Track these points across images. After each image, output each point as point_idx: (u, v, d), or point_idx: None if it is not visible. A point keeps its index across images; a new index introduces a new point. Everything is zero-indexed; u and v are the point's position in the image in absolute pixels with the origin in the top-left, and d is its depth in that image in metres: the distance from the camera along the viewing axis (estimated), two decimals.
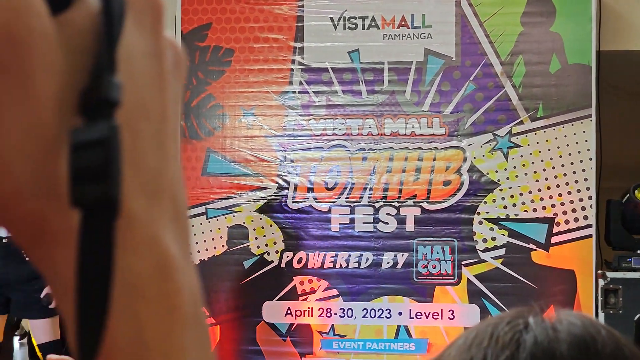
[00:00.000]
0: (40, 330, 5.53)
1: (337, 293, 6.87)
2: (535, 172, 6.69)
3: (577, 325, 0.82)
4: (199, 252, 7.09)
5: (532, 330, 0.81)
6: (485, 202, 6.74)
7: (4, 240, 5.40)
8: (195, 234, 7.06)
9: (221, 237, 7.03)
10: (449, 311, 6.77)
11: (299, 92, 6.99)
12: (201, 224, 7.05)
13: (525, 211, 6.69)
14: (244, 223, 7.02)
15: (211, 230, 7.04)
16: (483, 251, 6.72)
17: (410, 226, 6.81)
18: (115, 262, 0.33)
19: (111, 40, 0.34)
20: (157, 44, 0.37)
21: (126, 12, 0.35)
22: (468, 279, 6.74)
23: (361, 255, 6.83)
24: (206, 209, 7.05)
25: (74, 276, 0.33)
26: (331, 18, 6.91)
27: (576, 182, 6.65)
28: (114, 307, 0.34)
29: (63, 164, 0.32)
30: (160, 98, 0.37)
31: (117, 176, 0.33)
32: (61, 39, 0.34)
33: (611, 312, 6.43)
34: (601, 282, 6.50)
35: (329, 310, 6.86)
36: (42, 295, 5.40)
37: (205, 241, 7.05)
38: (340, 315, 6.81)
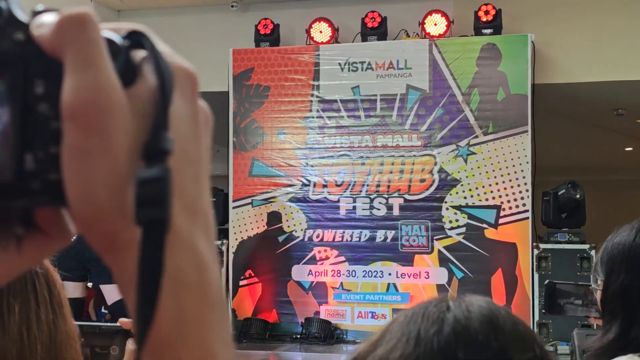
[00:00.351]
0: (112, 291, 5.37)
1: (344, 259, 7.06)
2: (487, 172, 6.81)
3: (485, 307, 0.79)
4: (247, 230, 7.26)
5: (452, 311, 0.78)
6: (451, 194, 6.88)
7: None
8: (244, 218, 7.28)
9: (262, 220, 7.24)
10: (425, 273, 6.92)
11: (317, 117, 7.18)
12: (248, 210, 7.27)
13: (480, 200, 6.82)
14: (278, 210, 7.22)
15: (255, 215, 7.26)
16: (449, 229, 6.87)
17: (396, 211, 6.97)
18: (164, 262, 0.34)
19: (164, 107, 0.34)
20: (194, 108, 0.37)
21: (175, 86, 0.35)
22: (439, 249, 6.89)
23: (361, 232, 7.02)
24: (252, 200, 7.27)
25: (136, 272, 0.34)
26: (339, 63, 7.11)
27: (517, 179, 6.75)
28: (163, 293, 0.35)
29: (130, 195, 0.34)
30: (196, 147, 0.37)
31: (169, 203, 0.34)
32: (130, 107, 0.35)
33: (543, 273, 6.53)
34: (535, 252, 6.62)
35: (338, 271, 7.06)
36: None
37: (251, 223, 7.27)
38: (346, 275, 7.02)
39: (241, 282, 7.26)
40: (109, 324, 1.29)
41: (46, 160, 0.34)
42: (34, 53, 0.34)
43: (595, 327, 2.28)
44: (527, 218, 6.74)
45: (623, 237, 1.58)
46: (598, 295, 1.61)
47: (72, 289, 5.30)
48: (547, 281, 2.20)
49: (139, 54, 0.36)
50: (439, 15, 6.97)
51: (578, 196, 6.80)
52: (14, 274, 0.37)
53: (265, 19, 7.32)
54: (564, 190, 6.88)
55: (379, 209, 7.02)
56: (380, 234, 6.98)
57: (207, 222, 0.37)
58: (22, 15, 0.34)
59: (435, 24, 6.98)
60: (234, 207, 7.32)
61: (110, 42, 0.35)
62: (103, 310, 9.60)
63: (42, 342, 0.91)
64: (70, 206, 0.34)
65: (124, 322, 1.28)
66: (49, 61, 0.34)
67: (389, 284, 6.95)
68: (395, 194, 7.01)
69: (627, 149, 11.00)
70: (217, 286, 0.37)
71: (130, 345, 1.25)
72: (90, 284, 6.04)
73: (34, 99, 0.34)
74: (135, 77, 0.35)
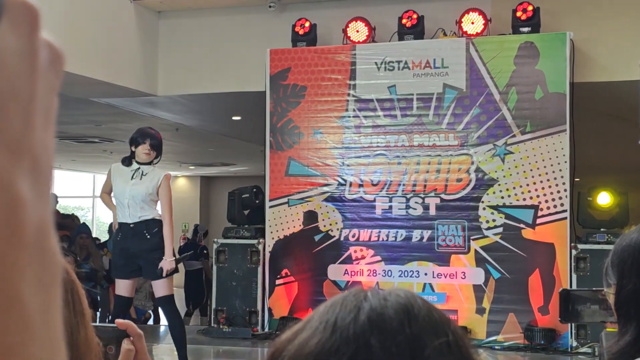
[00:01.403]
0: (159, 287, 5.35)
1: (380, 259, 7.03)
2: (524, 171, 6.73)
3: (401, 297, 0.81)
4: (283, 230, 7.26)
5: (369, 300, 0.80)
6: (488, 194, 6.80)
7: (131, 225, 5.23)
8: (280, 218, 7.28)
9: (299, 219, 7.23)
10: (462, 273, 6.86)
11: (353, 116, 7.14)
12: (285, 210, 7.26)
13: (517, 200, 6.74)
14: (314, 209, 7.21)
15: (292, 215, 7.24)
16: (486, 229, 6.80)
17: (432, 211, 6.92)
18: None
19: None
20: (31, 44, 0.35)
21: (3, 19, 0.34)
22: (475, 249, 6.82)
23: (397, 232, 6.98)
24: (288, 199, 7.26)
25: None
26: (375, 62, 7.06)
27: (555, 178, 6.66)
28: None
29: None
30: (29, 84, 0.35)
31: None
32: None
33: (581, 274, 6.47)
34: (574, 252, 6.54)
35: (374, 271, 7.03)
36: (158, 268, 5.17)
37: (287, 222, 7.25)
38: (382, 275, 6.98)
39: (277, 281, 7.28)
40: (106, 324, 1.29)
41: None
42: None
43: None
44: (565, 218, 6.66)
45: (633, 240, 1.54)
46: (611, 299, 1.57)
47: (123, 288, 5.38)
48: (560, 289, 2.20)
49: None
50: (476, 13, 6.92)
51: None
52: None
53: (302, 19, 7.31)
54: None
55: (415, 209, 6.98)
56: (416, 234, 6.94)
57: (36, 162, 0.35)
58: None
59: (473, 23, 6.92)
60: (270, 207, 7.34)
61: None
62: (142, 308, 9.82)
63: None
64: None
65: (119, 322, 1.29)
66: None
67: (425, 284, 6.92)
68: (432, 194, 6.97)
69: None
70: (36, 227, 0.34)
71: (125, 345, 1.27)
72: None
73: None
74: None
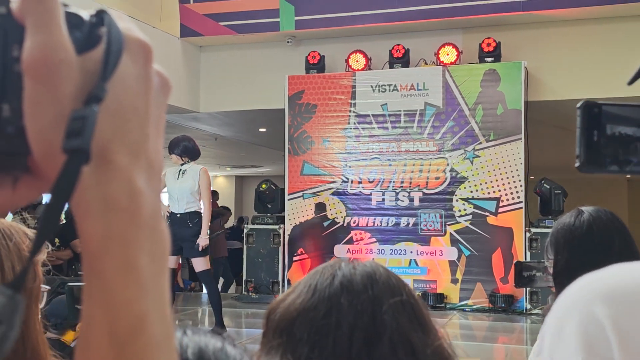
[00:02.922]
0: (198, 263, 5.38)
1: (375, 240, 7.07)
2: (488, 171, 6.77)
3: (367, 266, 0.79)
4: (299, 217, 7.29)
5: (342, 269, 0.78)
6: (460, 189, 6.85)
7: (178, 215, 5.23)
8: (296, 208, 7.29)
9: (311, 209, 7.27)
10: (440, 251, 6.88)
11: (353, 128, 7.19)
12: (300, 202, 7.28)
13: (483, 194, 6.77)
14: (323, 201, 7.25)
15: (305, 206, 7.27)
16: (459, 217, 6.83)
17: (416, 202, 6.95)
18: (74, 184, 0.32)
19: (107, 65, 0.32)
20: (146, 71, 0.35)
21: (123, 52, 0.33)
22: (450, 232, 6.85)
23: (389, 219, 7.01)
24: (303, 194, 7.29)
25: (50, 189, 0.32)
26: (371, 86, 7.11)
27: (512, 176, 6.70)
28: (92, 212, 0.33)
29: None
30: (145, 102, 0.35)
31: (88, 136, 0.31)
32: (82, 65, 0.33)
33: (534, 252, 6.51)
34: (528, 234, 6.61)
35: (371, 249, 7.06)
36: (197, 245, 5.22)
37: (302, 212, 7.29)
38: (377, 253, 7.00)
39: (295, 258, 7.31)
40: None
41: (18, 109, 0.33)
42: (11, 23, 0.33)
43: None
44: (521, 208, 6.70)
45: (565, 223, 1.52)
46: (551, 271, 1.55)
47: (198, 264, 5.39)
48: (515, 261, 2.14)
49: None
50: (451, 47, 6.99)
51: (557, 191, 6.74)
52: (7, 209, 0.35)
53: (314, 51, 7.37)
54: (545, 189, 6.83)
55: (402, 201, 7.01)
56: (404, 220, 6.97)
57: (150, 164, 0.35)
58: None
59: (448, 54, 6.98)
60: (288, 199, 7.36)
61: (73, 15, 0.34)
62: (188, 279, 9.94)
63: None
64: (30, 145, 0.33)
65: None
66: (22, 29, 0.33)
67: (410, 260, 6.94)
68: (416, 189, 7.00)
69: None
70: (150, 212, 0.34)
71: None
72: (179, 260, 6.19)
73: (11, 61, 0.33)
74: (96, 44, 0.33)
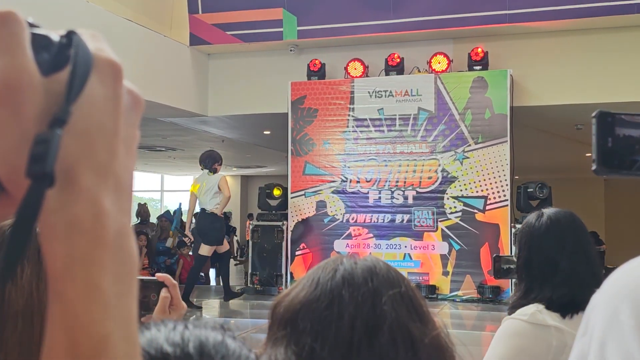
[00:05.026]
0: (205, 249, 6.27)
1: (372, 235, 7.08)
2: (477, 171, 6.82)
3: (368, 261, 0.78)
4: (301, 214, 7.30)
5: (344, 264, 0.77)
6: (450, 188, 6.89)
7: (206, 211, 6.19)
8: (299, 206, 7.31)
9: (312, 207, 7.28)
10: (432, 245, 6.91)
11: (352, 131, 7.21)
12: (302, 200, 7.28)
13: (472, 192, 6.81)
14: (324, 199, 7.25)
15: (307, 204, 7.28)
16: (449, 214, 6.86)
17: (410, 200, 6.98)
18: (37, 210, 0.30)
19: (71, 87, 0.30)
20: (114, 91, 0.32)
21: (91, 72, 0.31)
22: (442, 228, 6.88)
23: (385, 215, 7.03)
24: (305, 192, 7.31)
25: (14, 216, 0.30)
26: (368, 92, 7.15)
27: (499, 176, 6.77)
28: (55, 235, 0.31)
29: None
30: (113, 121, 0.32)
31: (52, 160, 0.30)
32: (47, 87, 0.31)
33: (514, 247, 6.57)
34: (513, 230, 6.58)
35: (368, 244, 7.07)
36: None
37: (304, 209, 7.30)
38: (374, 247, 7.01)
39: (297, 252, 7.32)
40: (148, 277, 1.18)
41: None
42: None
43: None
44: (507, 205, 6.75)
45: (528, 223, 1.55)
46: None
47: (205, 250, 6.09)
48: (494, 255, 2.16)
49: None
50: (442, 56, 7.04)
51: (542, 195, 6.82)
52: None
53: (315, 59, 7.41)
54: (532, 189, 6.89)
55: (397, 199, 7.03)
56: (398, 217, 7.00)
57: (119, 183, 0.33)
58: None
59: (439, 63, 7.04)
60: (291, 198, 7.38)
61: (41, 36, 0.32)
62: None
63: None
64: None
65: (159, 275, 1.19)
66: None
67: (405, 254, 6.97)
68: (410, 188, 7.03)
69: (587, 155, 10.66)
70: (115, 232, 0.32)
71: (163, 293, 1.16)
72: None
73: None
74: (64, 66, 0.32)
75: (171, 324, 0.47)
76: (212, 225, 6.22)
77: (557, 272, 1.47)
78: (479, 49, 6.91)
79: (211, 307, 7.02)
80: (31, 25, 0.32)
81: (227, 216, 11.85)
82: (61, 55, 0.32)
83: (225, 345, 0.48)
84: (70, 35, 0.32)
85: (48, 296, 0.32)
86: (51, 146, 0.30)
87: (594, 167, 0.54)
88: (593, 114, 0.55)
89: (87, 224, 0.32)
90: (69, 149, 0.31)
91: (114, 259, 0.32)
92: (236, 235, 12.10)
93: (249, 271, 7.68)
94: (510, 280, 6.63)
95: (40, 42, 0.32)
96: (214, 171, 6.35)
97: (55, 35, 0.32)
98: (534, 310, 1.45)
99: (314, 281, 0.77)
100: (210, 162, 6.35)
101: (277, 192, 7.63)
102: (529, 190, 6.89)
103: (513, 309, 1.51)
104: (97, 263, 0.32)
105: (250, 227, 7.78)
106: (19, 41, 0.31)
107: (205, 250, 6.24)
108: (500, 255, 2.13)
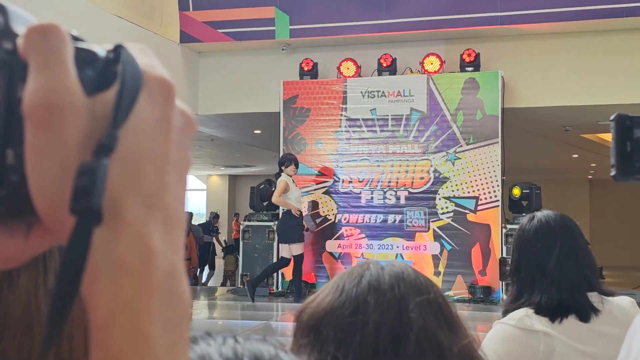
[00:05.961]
0: (296, 248, 6.52)
1: (364, 236, 7.10)
2: (468, 172, 6.88)
3: (395, 267, 0.77)
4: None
5: (370, 270, 0.76)
6: (442, 188, 6.94)
7: (283, 211, 6.57)
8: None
9: (305, 207, 7.17)
10: (424, 246, 6.96)
11: (344, 131, 7.24)
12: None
13: (463, 193, 6.88)
14: (316, 199, 7.27)
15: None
16: (441, 214, 6.92)
17: (402, 201, 7.02)
18: (86, 253, 0.27)
19: (118, 109, 0.27)
20: (166, 112, 0.29)
21: (140, 92, 0.28)
22: (433, 228, 6.93)
23: (377, 216, 7.06)
24: None
25: (60, 261, 0.27)
26: (361, 92, 7.18)
27: (490, 177, 6.83)
28: (98, 277, 0.27)
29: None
30: (163, 147, 0.29)
31: (98, 195, 0.26)
32: (92, 109, 0.28)
33: (509, 246, 6.28)
34: (504, 230, 6.70)
35: (360, 245, 7.10)
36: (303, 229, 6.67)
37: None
38: (366, 248, 7.04)
39: None
40: None
41: (23, 155, 0.28)
42: (17, 60, 0.28)
43: None
44: (498, 206, 6.83)
45: (521, 224, 1.55)
46: None
47: (297, 249, 6.43)
48: (499, 257, 2.17)
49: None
50: (434, 57, 7.10)
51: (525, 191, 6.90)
52: (21, 259, 0.30)
53: (307, 58, 7.42)
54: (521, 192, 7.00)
55: (389, 199, 7.07)
56: (391, 217, 7.03)
57: (169, 216, 0.29)
58: (18, 28, 0.29)
59: (432, 63, 7.09)
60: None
61: (86, 51, 0.29)
62: None
63: (47, 303, 0.73)
64: (32, 197, 0.28)
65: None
66: (26, 67, 0.28)
67: (397, 254, 6.99)
68: (402, 188, 7.07)
69: (573, 156, 10.98)
70: (165, 273, 0.29)
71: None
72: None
73: (16, 101, 0.28)
74: (110, 84, 0.29)
75: (220, 337, 0.45)
76: (286, 223, 6.66)
77: (545, 275, 1.46)
78: (471, 51, 6.98)
79: (201, 308, 6.97)
80: (75, 38, 0.29)
81: (213, 217, 11.92)
82: (107, 73, 0.29)
83: (280, 358, 0.46)
84: (118, 49, 0.29)
85: (90, 347, 0.28)
86: (97, 178, 0.27)
87: (612, 172, 0.52)
88: (611, 117, 0.53)
89: (134, 265, 0.28)
90: (114, 179, 0.28)
91: (163, 305, 0.29)
92: (219, 234, 12.26)
93: (240, 272, 7.63)
94: (501, 281, 6.74)
95: (84, 58, 0.29)
96: (279, 173, 6.67)
97: (101, 50, 0.29)
98: (523, 315, 1.45)
99: (339, 287, 0.76)
100: (279, 165, 6.72)
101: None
102: (514, 194, 6.98)
103: (505, 312, 1.51)
104: (145, 309, 0.28)
105: (241, 227, 7.72)
106: (61, 57, 0.28)
107: (294, 249, 6.58)
108: (506, 257, 2.14)
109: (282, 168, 6.64)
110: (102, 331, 0.28)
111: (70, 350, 0.50)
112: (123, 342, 0.28)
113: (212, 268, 11.37)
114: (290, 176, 6.64)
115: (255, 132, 9.36)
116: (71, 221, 0.27)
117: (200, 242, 10.47)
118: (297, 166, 6.68)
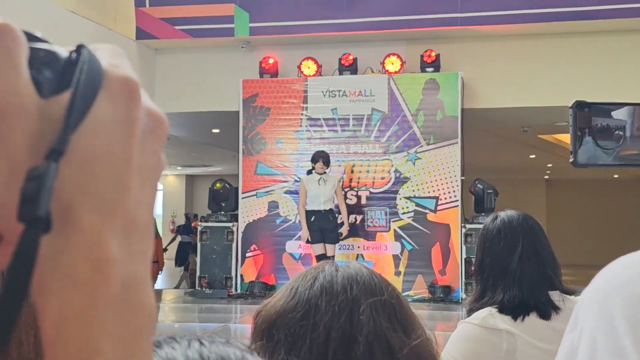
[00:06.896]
0: (331, 249, 6.42)
1: None
2: (429, 172, 6.99)
3: (350, 268, 0.76)
4: (252, 215, 7.26)
5: (324, 272, 0.75)
6: (403, 188, 7.03)
7: (322, 212, 6.35)
8: (250, 206, 7.27)
9: (264, 207, 7.27)
10: (384, 246, 7.04)
11: (305, 130, 7.26)
12: (254, 200, 7.27)
13: (424, 192, 6.98)
14: (276, 200, 7.26)
15: (259, 204, 7.28)
16: (402, 214, 7.01)
17: (363, 201, 7.09)
18: (33, 263, 0.25)
19: (72, 111, 0.26)
20: (129, 113, 0.27)
21: (99, 93, 0.27)
22: (394, 228, 7.02)
23: (338, 216, 6.83)
24: (256, 192, 7.30)
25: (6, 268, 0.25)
26: (322, 91, 7.22)
27: (450, 177, 6.96)
28: (47, 289, 0.26)
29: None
30: (125, 149, 0.27)
31: (45, 201, 0.25)
32: (45, 111, 0.26)
33: (469, 246, 6.72)
34: (463, 230, 6.85)
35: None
36: (339, 234, 6.51)
37: (255, 210, 7.29)
38: None
39: (247, 254, 7.29)
40: None
41: None
42: None
43: None
44: (457, 206, 6.94)
45: (485, 224, 1.57)
46: None
47: (317, 249, 6.36)
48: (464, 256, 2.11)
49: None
50: (395, 57, 7.18)
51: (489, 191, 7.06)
52: None
53: (267, 57, 7.41)
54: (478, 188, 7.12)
55: (351, 199, 7.11)
56: (351, 217, 7.05)
57: (129, 222, 0.28)
58: None
59: (392, 64, 7.17)
60: (242, 198, 7.35)
61: (44, 51, 0.28)
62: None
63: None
64: None
65: None
66: None
67: (357, 254, 7.06)
68: (363, 188, 7.13)
69: (531, 157, 11.23)
70: (123, 284, 0.27)
71: None
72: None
73: None
74: (69, 85, 0.27)
75: (184, 340, 0.44)
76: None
77: (507, 274, 1.49)
78: (431, 51, 7.08)
79: (159, 311, 6.94)
80: (37, 39, 0.28)
81: (192, 217, 11.73)
82: (67, 74, 0.27)
83: None
84: (79, 50, 0.28)
85: (41, 352, 0.27)
86: (45, 183, 0.25)
87: (571, 159, 0.53)
88: (570, 105, 0.53)
89: (86, 275, 0.26)
90: (66, 184, 0.26)
91: (119, 316, 0.27)
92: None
93: (198, 274, 7.58)
94: (460, 279, 6.86)
95: (42, 59, 0.27)
96: (310, 171, 6.60)
97: (63, 51, 0.28)
98: (486, 314, 1.48)
99: (292, 290, 0.76)
100: (311, 162, 6.58)
101: (218, 184, 7.53)
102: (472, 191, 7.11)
103: (470, 312, 1.54)
104: (96, 322, 0.27)
105: (199, 228, 7.66)
106: (11, 57, 0.27)
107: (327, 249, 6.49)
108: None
109: (313, 165, 6.49)
110: (51, 346, 0.26)
111: (19, 356, 0.47)
112: (71, 358, 0.26)
113: (186, 269, 11.28)
114: (320, 174, 6.43)
115: (214, 131, 9.32)
116: (21, 229, 0.26)
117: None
118: (326, 163, 6.45)
